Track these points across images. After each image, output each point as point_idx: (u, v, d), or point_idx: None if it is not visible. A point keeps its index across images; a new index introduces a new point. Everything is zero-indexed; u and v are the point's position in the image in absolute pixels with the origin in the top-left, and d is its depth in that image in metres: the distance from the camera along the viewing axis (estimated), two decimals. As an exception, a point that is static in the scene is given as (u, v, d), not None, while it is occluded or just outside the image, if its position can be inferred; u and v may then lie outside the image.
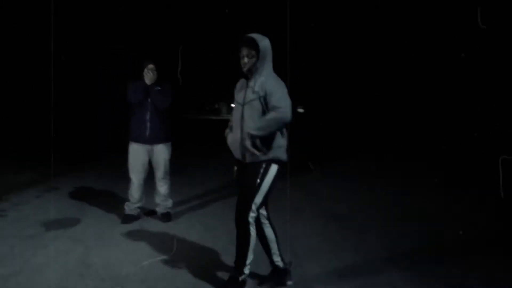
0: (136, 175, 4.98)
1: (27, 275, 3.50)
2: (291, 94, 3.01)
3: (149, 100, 4.83)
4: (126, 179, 5.13)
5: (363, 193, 7.15)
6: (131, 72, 5.30)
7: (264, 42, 3.01)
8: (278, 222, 3.47)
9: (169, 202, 5.11)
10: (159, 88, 4.81)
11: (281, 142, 3.06)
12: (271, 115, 2.89)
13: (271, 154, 3.00)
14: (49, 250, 4.13)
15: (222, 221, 5.06)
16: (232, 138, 3.14)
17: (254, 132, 2.86)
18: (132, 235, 4.61)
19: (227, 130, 3.31)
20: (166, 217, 5.06)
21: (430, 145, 13.35)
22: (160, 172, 5.02)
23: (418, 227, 5.17)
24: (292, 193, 5.58)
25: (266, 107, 2.96)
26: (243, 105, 3.05)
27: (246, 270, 3.07)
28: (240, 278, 3.06)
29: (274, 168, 3.04)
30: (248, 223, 2.97)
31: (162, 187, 5.07)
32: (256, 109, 2.98)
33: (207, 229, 4.87)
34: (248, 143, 2.88)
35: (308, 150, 12.62)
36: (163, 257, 3.94)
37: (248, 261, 3.04)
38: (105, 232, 4.71)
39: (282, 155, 3.08)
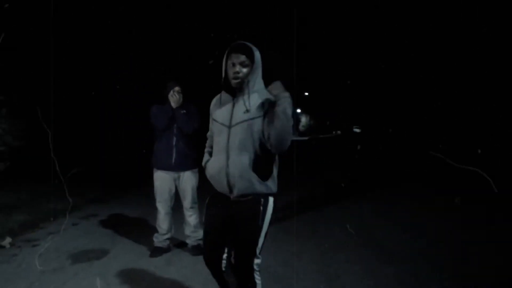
0: (162, 204, 4.66)
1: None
2: (347, 113, 2.46)
3: (174, 124, 4.52)
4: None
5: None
6: (154, 94, 5.01)
7: (257, 53, 2.54)
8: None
9: (199, 233, 4.70)
10: (185, 111, 4.50)
11: (275, 170, 2.59)
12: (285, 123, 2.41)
13: (268, 186, 2.52)
14: (68, 286, 3.86)
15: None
16: (215, 167, 2.54)
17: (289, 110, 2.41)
18: (158, 270, 4.26)
19: (206, 158, 2.74)
20: (197, 249, 4.65)
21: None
22: (187, 201, 4.66)
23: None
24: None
25: (261, 131, 2.46)
26: (229, 127, 2.50)
27: None
28: None
29: (271, 202, 2.55)
30: (253, 270, 2.53)
31: (191, 217, 4.69)
32: (249, 132, 2.45)
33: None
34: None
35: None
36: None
37: None
38: (131, 266, 4.40)
39: (276, 185, 2.60)
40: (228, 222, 2.54)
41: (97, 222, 6.33)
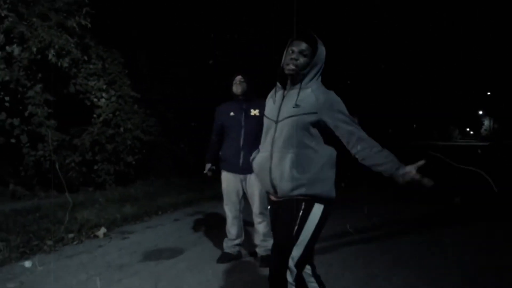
0: (229, 207, 4.15)
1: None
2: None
3: (242, 123, 3.98)
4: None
5: None
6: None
7: (322, 47, 2.25)
8: None
9: (269, 243, 4.02)
10: (257, 112, 3.94)
11: (329, 173, 2.22)
12: (368, 142, 2.17)
13: (314, 189, 2.16)
14: (120, 284, 3.62)
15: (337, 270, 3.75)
16: (258, 164, 2.32)
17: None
18: (217, 277, 3.75)
19: (254, 153, 2.45)
20: (266, 261, 3.99)
21: None
22: (255, 206, 4.04)
23: None
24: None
25: (311, 129, 2.20)
26: (276, 122, 2.25)
27: None
28: None
29: (318, 209, 2.20)
30: (286, 283, 2.19)
31: (260, 224, 4.05)
32: (296, 129, 2.18)
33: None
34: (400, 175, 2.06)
35: None
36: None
37: None
38: (194, 269, 3.98)
39: (330, 191, 2.21)
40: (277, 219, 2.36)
41: (197, 220, 6.15)
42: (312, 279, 2.24)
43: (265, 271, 3.81)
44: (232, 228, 4.16)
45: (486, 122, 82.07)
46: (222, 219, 5.73)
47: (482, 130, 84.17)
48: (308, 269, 2.24)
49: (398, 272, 3.85)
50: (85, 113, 8.49)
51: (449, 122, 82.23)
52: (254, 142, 3.77)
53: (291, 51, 2.23)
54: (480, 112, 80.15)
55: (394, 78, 35.58)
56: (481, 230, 5.56)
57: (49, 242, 4.79)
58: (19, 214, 5.85)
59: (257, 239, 4.12)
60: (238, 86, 4.00)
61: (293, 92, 2.26)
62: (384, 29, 25.67)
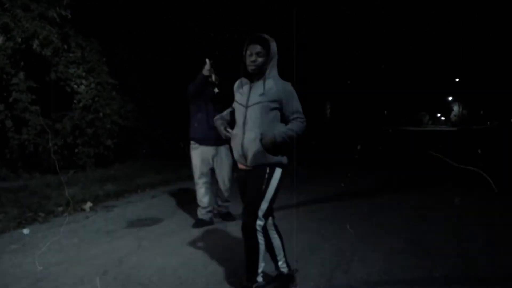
0: (203, 180, 4.85)
1: (68, 265, 3.66)
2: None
3: (211, 101, 4.68)
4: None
5: None
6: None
7: (274, 44, 2.87)
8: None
9: (227, 204, 5.08)
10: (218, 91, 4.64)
11: (287, 147, 2.93)
12: (298, 126, 2.87)
13: (275, 159, 2.87)
14: (106, 245, 4.27)
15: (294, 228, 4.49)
16: (235, 140, 2.94)
17: (280, 139, 2.80)
18: (192, 239, 4.43)
19: (218, 116, 3.10)
20: (227, 217, 5.04)
21: None
22: (224, 176, 4.81)
23: None
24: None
25: (273, 112, 2.85)
26: (246, 107, 2.87)
27: (259, 278, 2.94)
28: (254, 287, 2.91)
29: (278, 173, 2.90)
30: (255, 231, 2.83)
31: (226, 192, 4.87)
32: (261, 113, 2.82)
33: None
34: (268, 140, 2.78)
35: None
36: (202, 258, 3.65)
37: (260, 270, 2.93)
38: (172, 234, 4.66)
39: (285, 159, 2.95)
40: (245, 185, 2.96)
41: (174, 196, 6.79)
42: (273, 227, 3.06)
43: (231, 231, 4.59)
44: (204, 197, 4.85)
45: (456, 108, 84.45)
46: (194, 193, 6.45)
47: (452, 116, 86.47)
48: (270, 219, 3.02)
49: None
50: (65, 99, 8.96)
51: (419, 108, 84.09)
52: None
53: (249, 54, 2.83)
54: (450, 98, 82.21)
55: (366, 65, 36.60)
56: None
57: (42, 214, 5.40)
58: (9, 192, 6.39)
59: (219, 202, 5.00)
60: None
61: (259, 83, 2.87)
62: (357, 15, 26.45)
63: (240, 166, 2.98)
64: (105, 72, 9.26)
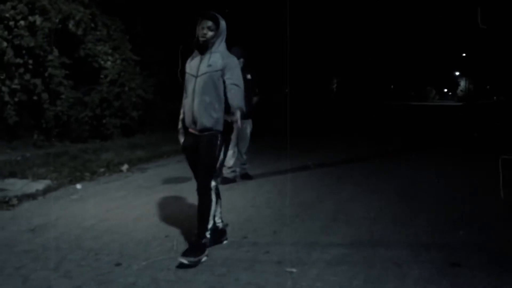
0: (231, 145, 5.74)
1: (124, 210, 4.56)
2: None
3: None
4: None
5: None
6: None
7: (223, 22, 3.21)
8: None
9: (247, 166, 6.09)
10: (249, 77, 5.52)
11: (223, 114, 3.25)
12: (239, 91, 3.18)
13: (220, 126, 3.19)
14: (150, 197, 5.15)
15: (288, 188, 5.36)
16: (185, 106, 3.26)
17: (243, 108, 3.17)
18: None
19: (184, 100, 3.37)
20: (247, 176, 6.02)
21: None
22: (243, 145, 5.85)
23: None
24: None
25: (219, 81, 3.16)
26: (196, 77, 3.17)
27: (208, 234, 3.21)
28: (203, 241, 3.18)
29: (222, 139, 3.23)
30: (210, 189, 3.22)
31: (245, 155, 5.94)
32: (209, 82, 3.12)
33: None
34: (238, 116, 3.07)
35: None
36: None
37: (209, 226, 3.23)
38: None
39: (223, 126, 3.25)
40: (194, 150, 3.24)
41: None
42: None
43: (246, 188, 5.45)
44: (231, 160, 5.71)
45: (462, 83, 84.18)
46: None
47: (458, 91, 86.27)
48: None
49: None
50: (92, 74, 9.79)
51: (426, 83, 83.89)
52: (245, 98, 5.35)
53: (201, 28, 3.15)
54: (457, 73, 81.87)
55: (373, 41, 36.90)
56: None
57: (88, 174, 6.29)
58: (53, 156, 7.29)
59: (238, 165, 5.97)
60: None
61: (207, 56, 3.17)
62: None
63: (191, 130, 3.25)
64: (129, 49, 10.03)
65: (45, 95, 8.70)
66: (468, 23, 49.24)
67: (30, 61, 8.39)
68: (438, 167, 7.19)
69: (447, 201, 4.89)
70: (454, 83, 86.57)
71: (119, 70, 9.71)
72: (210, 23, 3.16)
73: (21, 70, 8.30)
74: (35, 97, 8.68)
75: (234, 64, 3.27)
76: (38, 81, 8.57)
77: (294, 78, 17.69)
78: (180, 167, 7.09)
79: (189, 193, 5.25)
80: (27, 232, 3.85)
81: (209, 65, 3.14)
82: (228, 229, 3.82)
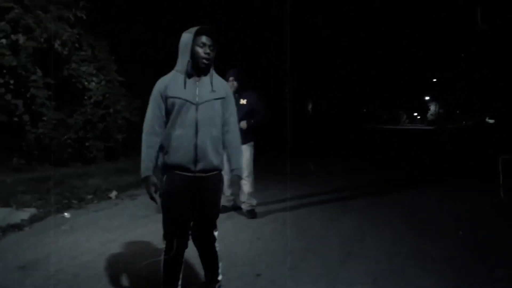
0: (227, 174, 5.46)
1: (121, 242, 4.25)
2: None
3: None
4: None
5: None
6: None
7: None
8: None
9: (253, 201, 5.41)
10: (245, 102, 5.19)
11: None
12: (239, 142, 2.82)
13: (222, 164, 2.73)
14: (147, 227, 4.85)
15: (299, 229, 5.16)
16: (182, 140, 2.54)
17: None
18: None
19: (153, 139, 2.63)
20: (251, 213, 5.37)
21: None
22: (244, 171, 5.42)
23: None
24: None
25: (221, 111, 2.67)
26: (197, 104, 2.55)
27: (220, 276, 2.94)
28: (217, 286, 2.94)
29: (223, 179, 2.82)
30: (214, 240, 2.80)
31: (245, 186, 5.32)
32: (216, 110, 2.61)
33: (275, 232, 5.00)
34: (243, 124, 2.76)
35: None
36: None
37: (220, 269, 2.93)
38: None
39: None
40: (191, 197, 2.62)
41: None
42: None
43: (247, 221, 5.21)
44: (229, 188, 5.45)
45: (432, 107, 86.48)
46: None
47: (429, 115, 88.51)
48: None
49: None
50: (76, 96, 9.45)
51: (398, 107, 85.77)
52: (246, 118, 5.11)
53: (200, 46, 2.55)
54: (427, 98, 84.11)
55: (348, 66, 37.58)
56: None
57: (75, 201, 5.95)
58: (36, 181, 6.89)
59: (243, 198, 5.42)
60: (231, 86, 5.11)
61: (205, 79, 2.61)
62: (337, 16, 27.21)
63: (184, 173, 2.57)
64: (114, 69, 9.76)
65: (26, 117, 8.31)
66: (439, 48, 50.96)
67: (12, 81, 8.01)
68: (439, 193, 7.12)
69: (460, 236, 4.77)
70: (424, 107, 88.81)
71: (103, 92, 9.41)
72: (211, 41, 2.59)
73: (2, 90, 7.91)
74: (15, 119, 8.27)
75: (231, 94, 2.83)
76: (19, 102, 8.18)
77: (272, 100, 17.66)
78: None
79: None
80: (16, 270, 3.52)
81: (213, 91, 2.61)
82: (239, 265, 3.60)
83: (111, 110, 9.44)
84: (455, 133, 33.93)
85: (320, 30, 26.61)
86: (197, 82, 2.60)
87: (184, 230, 2.68)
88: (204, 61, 2.57)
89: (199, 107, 2.55)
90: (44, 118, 8.46)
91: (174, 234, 2.64)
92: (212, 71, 2.64)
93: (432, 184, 8.16)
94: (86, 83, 9.32)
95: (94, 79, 9.38)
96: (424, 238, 4.47)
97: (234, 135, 2.75)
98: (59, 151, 8.95)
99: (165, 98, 2.58)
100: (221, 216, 5.12)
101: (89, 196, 6.25)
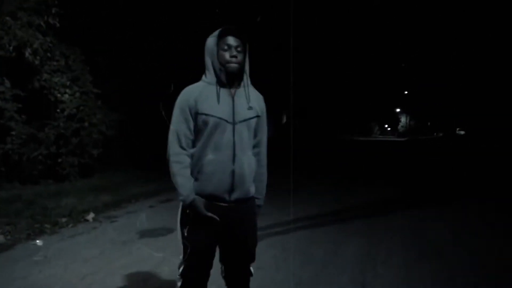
0: None
1: (103, 275, 3.72)
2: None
3: None
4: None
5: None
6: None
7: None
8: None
9: None
10: None
11: None
12: (265, 160, 2.38)
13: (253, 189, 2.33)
14: (132, 255, 4.34)
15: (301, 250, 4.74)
16: (218, 165, 2.14)
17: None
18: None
19: (184, 159, 2.19)
20: None
21: None
22: None
23: None
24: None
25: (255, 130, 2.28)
26: (233, 124, 2.14)
27: None
28: None
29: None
30: (251, 275, 2.38)
31: None
32: (250, 132, 2.22)
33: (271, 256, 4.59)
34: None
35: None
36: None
37: None
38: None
39: None
40: (222, 231, 2.22)
41: (170, 206, 6.87)
42: None
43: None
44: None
45: (403, 119, 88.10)
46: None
47: (399, 127, 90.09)
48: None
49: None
50: (47, 108, 8.82)
51: (371, 119, 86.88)
52: None
53: (226, 47, 2.13)
54: (398, 110, 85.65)
55: (322, 79, 37.65)
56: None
57: (48, 226, 5.36)
58: (4, 202, 6.26)
59: None
60: None
61: (240, 92, 2.20)
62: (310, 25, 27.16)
63: (218, 203, 2.18)
64: (89, 81, 9.18)
65: (-8, 131, 7.65)
66: (410, 61, 51.93)
67: (-24, 93, 7.36)
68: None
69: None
70: (395, 119, 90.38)
71: (78, 104, 8.81)
72: (238, 42, 2.14)
73: (-35, 103, 7.26)
74: (-20, 134, 7.60)
75: (265, 109, 2.34)
76: (-16, 116, 7.53)
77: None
78: (153, 214, 6.34)
79: (175, 250, 4.51)
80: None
81: (250, 108, 2.19)
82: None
83: (86, 124, 8.83)
84: (426, 144, 34.41)
85: (291, 40, 26.49)
86: (232, 96, 2.17)
87: (207, 268, 2.28)
88: (232, 65, 2.12)
89: (236, 127, 2.15)
90: (13, 133, 7.81)
91: (194, 271, 2.24)
92: (247, 81, 2.22)
93: (425, 197, 7.90)
94: (58, 95, 8.69)
95: (67, 90, 8.76)
96: (437, 261, 4.12)
97: (264, 158, 2.35)
98: (29, 168, 8.30)
99: (194, 114, 2.14)
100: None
101: (64, 219, 5.67)
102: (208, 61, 2.18)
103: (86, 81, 9.11)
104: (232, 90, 2.18)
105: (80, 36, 9.69)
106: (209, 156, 2.13)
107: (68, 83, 8.77)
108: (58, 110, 8.75)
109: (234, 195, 2.16)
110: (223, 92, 2.16)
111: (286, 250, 4.48)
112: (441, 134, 62.25)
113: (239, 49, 2.13)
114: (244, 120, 2.16)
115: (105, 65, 10.51)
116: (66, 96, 8.77)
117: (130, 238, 5.01)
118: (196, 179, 2.17)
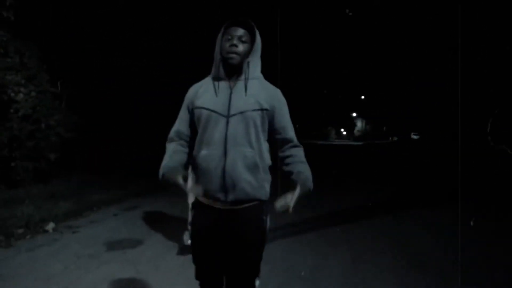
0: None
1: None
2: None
3: None
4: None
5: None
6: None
7: (258, 34, 2.09)
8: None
9: None
10: None
11: (268, 175, 2.15)
12: (300, 152, 2.14)
13: (266, 191, 2.09)
14: (100, 271, 3.98)
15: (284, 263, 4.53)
16: (207, 163, 2.00)
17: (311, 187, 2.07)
18: (183, 266, 4.25)
19: (173, 147, 2.15)
20: None
21: None
22: None
23: None
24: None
25: (264, 125, 2.06)
26: (227, 117, 2.00)
27: None
28: None
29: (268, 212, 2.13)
30: None
31: None
32: (249, 126, 2.00)
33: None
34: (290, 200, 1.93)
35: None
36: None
37: None
38: (160, 258, 4.45)
39: (268, 193, 2.14)
40: (223, 236, 2.06)
41: (136, 214, 6.49)
42: None
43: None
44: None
45: (359, 124, 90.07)
46: (159, 212, 6.30)
47: (355, 131, 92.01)
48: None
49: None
50: (0, 108, 8.19)
51: (328, 123, 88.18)
52: None
53: (229, 37, 2.02)
54: (354, 114, 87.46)
55: (280, 81, 37.72)
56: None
57: (1, 238, 4.88)
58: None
59: None
60: None
61: (240, 85, 2.05)
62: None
63: (215, 204, 2.03)
64: (46, 79, 8.60)
65: None
66: (366, 66, 53.12)
67: None
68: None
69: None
70: (351, 124, 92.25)
71: (33, 104, 8.20)
72: (242, 32, 2.02)
73: None
74: None
75: (285, 103, 2.15)
76: None
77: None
78: (118, 223, 5.96)
79: (147, 264, 4.19)
80: None
81: (248, 99, 2.02)
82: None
83: (43, 126, 8.23)
84: (382, 148, 35.29)
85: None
86: (231, 89, 2.05)
87: (218, 277, 2.13)
88: (230, 55, 2.00)
89: (231, 121, 1.99)
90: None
91: (205, 280, 2.14)
92: (248, 72, 2.04)
93: (405, 202, 7.88)
94: (12, 94, 8.05)
95: (22, 89, 8.13)
96: (430, 274, 4.01)
97: (295, 153, 2.13)
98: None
99: (191, 110, 2.11)
100: (185, 258, 4.39)
101: (20, 230, 5.18)
102: (215, 54, 2.09)
103: (42, 80, 8.53)
104: (232, 83, 2.07)
105: (37, 31, 9.10)
106: (202, 152, 2.03)
107: (23, 81, 8.16)
108: (11, 111, 8.11)
109: (231, 196, 1.99)
110: (222, 84, 2.06)
111: (270, 263, 4.23)
112: (395, 138, 64.13)
113: (243, 39, 2.03)
114: (240, 113, 2.00)
115: (64, 63, 9.91)
116: (21, 95, 8.14)
117: (96, 251, 4.61)
118: (195, 178, 2.09)
